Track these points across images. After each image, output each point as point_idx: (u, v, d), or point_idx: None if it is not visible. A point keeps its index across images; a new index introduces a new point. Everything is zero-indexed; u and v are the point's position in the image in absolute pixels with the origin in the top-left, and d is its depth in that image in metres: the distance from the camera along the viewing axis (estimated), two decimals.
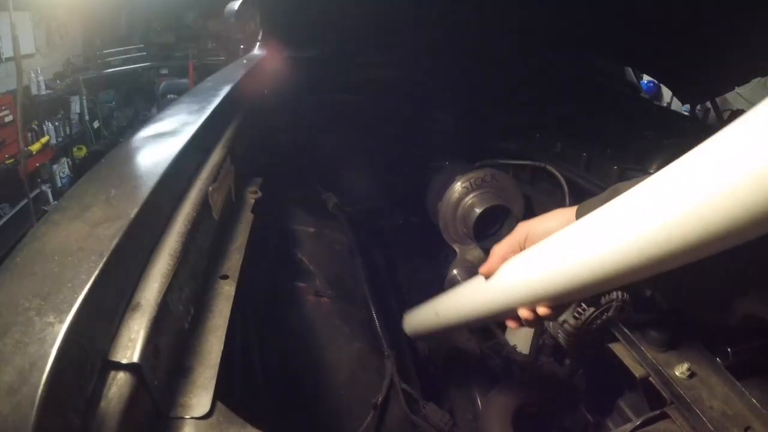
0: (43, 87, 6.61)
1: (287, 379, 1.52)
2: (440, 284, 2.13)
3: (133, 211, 0.78)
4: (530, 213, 2.24)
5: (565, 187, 2.08)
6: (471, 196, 2.15)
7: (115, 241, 0.70)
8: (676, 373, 1.28)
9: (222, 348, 0.84)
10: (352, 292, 1.98)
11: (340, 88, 2.71)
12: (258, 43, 2.89)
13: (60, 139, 6.95)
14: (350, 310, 1.88)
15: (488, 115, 2.68)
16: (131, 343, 0.66)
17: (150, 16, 9.24)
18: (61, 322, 0.57)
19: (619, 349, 1.44)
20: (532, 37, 2.66)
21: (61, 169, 6.86)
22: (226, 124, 1.52)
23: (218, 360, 0.81)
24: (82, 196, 0.85)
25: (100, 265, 0.65)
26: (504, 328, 2.04)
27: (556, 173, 2.13)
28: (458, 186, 2.15)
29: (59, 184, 6.72)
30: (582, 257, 0.82)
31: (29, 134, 6.13)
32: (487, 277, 1.08)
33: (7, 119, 5.63)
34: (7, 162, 5.56)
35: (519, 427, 1.68)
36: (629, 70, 3.40)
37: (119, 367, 0.64)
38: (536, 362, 1.88)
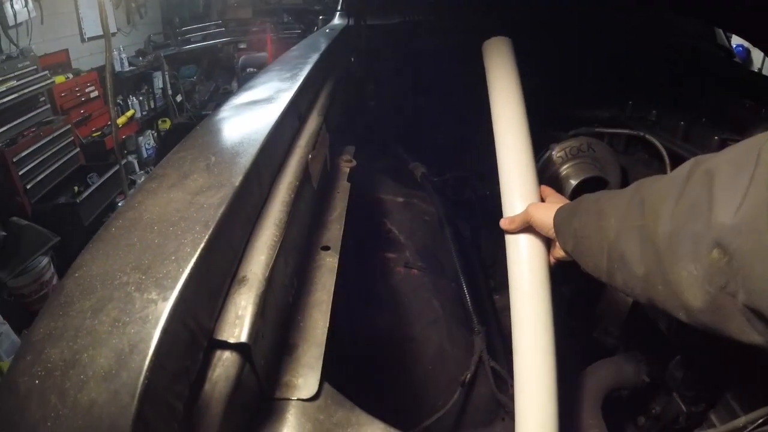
0: (126, 64, 6.99)
1: (376, 351, 1.48)
2: None
3: (237, 179, 0.73)
4: (626, 184, 2.11)
5: (666, 158, 1.94)
6: (567, 166, 2.04)
7: (220, 211, 0.65)
8: None
9: (328, 324, 0.79)
10: (442, 264, 1.92)
11: (424, 55, 2.62)
12: (338, 13, 2.84)
13: (144, 113, 7.38)
14: (440, 284, 1.81)
15: (579, 80, 2.53)
16: (239, 321, 0.62)
17: None
18: (165, 299, 0.52)
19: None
20: None
21: (147, 141, 7.26)
22: (318, 91, 1.47)
23: (324, 337, 0.76)
24: (179, 164, 0.81)
25: (206, 237, 0.60)
26: (595, 306, 1.94)
27: (656, 142, 2.00)
28: (554, 155, 2.04)
29: (144, 155, 7.13)
30: None
31: (114, 108, 6.43)
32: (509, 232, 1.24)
33: (93, 95, 5.97)
34: (94, 135, 5.92)
35: (608, 410, 1.59)
36: (720, 32, 3.15)
37: (226, 346, 0.59)
38: (629, 346, 1.77)
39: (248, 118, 1.03)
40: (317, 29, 3.38)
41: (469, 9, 2.63)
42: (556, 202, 1.18)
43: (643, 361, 1.69)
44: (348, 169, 1.37)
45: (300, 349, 0.74)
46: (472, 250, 2.33)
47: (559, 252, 1.12)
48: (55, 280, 4.04)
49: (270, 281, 0.69)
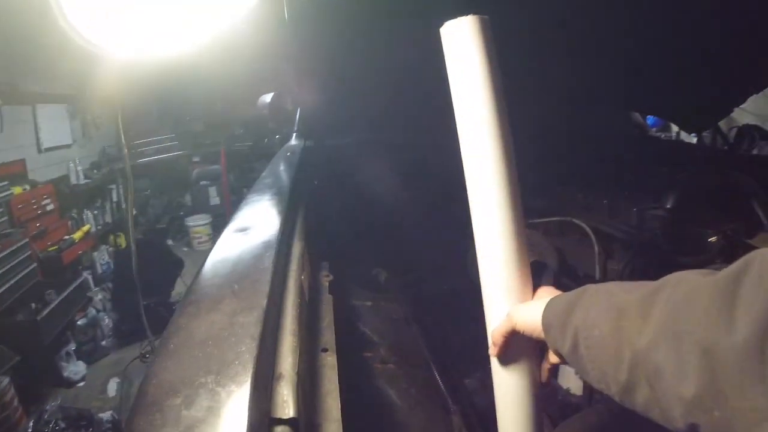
0: (81, 176, 7.04)
1: None
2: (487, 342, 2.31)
3: (264, 302, 0.97)
4: (564, 263, 2.41)
5: (593, 237, 2.24)
6: None
7: (260, 327, 0.89)
8: None
9: (340, 406, 1.02)
10: (414, 356, 2.15)
11: (375, 171, 2.93)
12: (294, 134, 3.15)
13: (99, 227, 7.33)
14: (414, 373, 2.04)
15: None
16: (285, 404, 0.84)
17: (180, 106, 9.70)
18: (244, 389, 0.74)
19: None
20: (543, 95, 2.86)
21: (101, 257, 7.16)
22: (296, 216, 1.74)
23: (339, 415, 0.99)
24: (208, 291, 1.04)
25: (256, 345, 0.84)
26: (556, 373, 2.18)
27: (582, 224, 2.31)
28: None
29: (99, 271, 7.01)
30: None
31: (69, 222, 6.48)
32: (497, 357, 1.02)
33: (49, 208, 5.94)
34: (50, 249, 5.87)
35: None
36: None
37: (282, 422, 0.82)
38: (591, 402, 2.01)
39: (249, 247, 1.28)
40: (267, 141, 3.67)
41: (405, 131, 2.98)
42: (546, 296, 0.94)
43: (606, 413, 1.94)
44: (327, 283, 1.63)
45: (323, 426, 0.97)
46: (440, 340, 2.57)
47: (553, 358, 0.94)
48: (16, 402, 3.97)
49: (298, 375, 0.93)
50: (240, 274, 1.11)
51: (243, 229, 1.41)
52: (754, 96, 2.70)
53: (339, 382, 1.11)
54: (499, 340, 0.98)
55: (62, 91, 6.74)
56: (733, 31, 2.19)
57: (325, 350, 1.22)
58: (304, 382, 0.99)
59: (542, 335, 0.89)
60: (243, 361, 0.81)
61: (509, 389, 1.00)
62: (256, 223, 1.45)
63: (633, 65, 2.51)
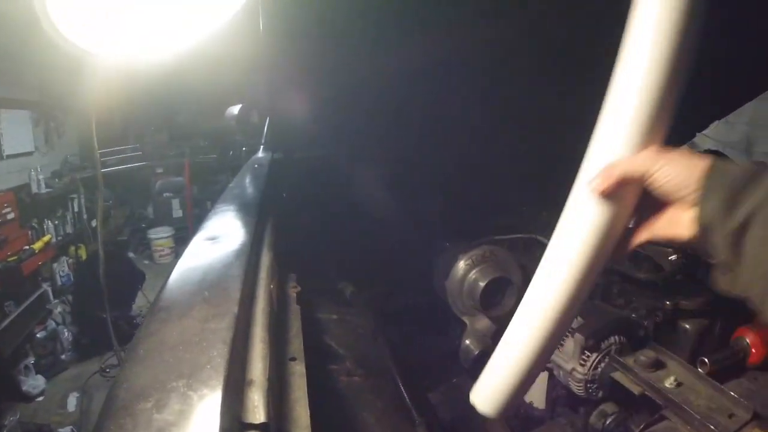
0: (43, 185, 6.91)
1: None
2: (455, 355, 2.34)
3: (235, 308, 0.97)
4: (527, 279, 2.45)
5: None
6: (474, 271, 2.38)
7: (231, 333, 0.90)
8: (666, 385, 1.61)
9: (309, 414, 1.02)
10: (380, 369, 2.16)
11: (343, 185, 2.94)
12: (262, 147, 3.15)
13: (60, 238, 7.21)
14: (380, 386, 2.05)
15: (478, 196, 2.93)
16: (256, 409, 0.85)
17: (144, 116, 9.63)
18: (216, 393, 0.75)
19: (618, 375, 1.75)
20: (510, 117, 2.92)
21: (61, 268, 7.09)
22: (264, 227, 1.75)
23: (308, 422, 1.00)
24: (179, 298, 1.05)
25: (228, 350, 0.84)
26: None
27: (546, 242, 2.36)
28: (462, 263, 2.38)
29: (59, 283, 6.93)
30: None
31: (30, 232, 6.33)
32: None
33: (9, 216, 5.83)
34: (9, 260, 5.73)
35: None
36: None
37: (253, 427, 0.82)
38: (553, 414, 2.05)
39: (219, 256, 1.28)
40: (233, 153, 3.67)
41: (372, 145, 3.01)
42: (690, 156, 0.74)
43: (568, 423, 1.99)
44: (295, 294, 1.64)
45: None
46: (406, 353, 2.59)
47: (651, 233, 0.82)
48: None
49: (269, 382, 0.94)
50: (211, 282, 1.12)
51: (212, 238, 1.41)
52: (717, 122, 2.79)
53: (307, 391, 1.12)
54: (613, 178, 0.80)
55: (27, 97, 6.62)
56: (701, 59, 2.26)
57: (294, 359, 1.23)
58: (274, 389, 1.00)
59: (682, 203, 0.73)
60: (215, 365, 0.81)
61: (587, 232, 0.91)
62: (226, 232, 1.45)
63: (600, 89, 2.57)
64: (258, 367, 0.95)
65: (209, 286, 1.09)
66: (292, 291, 1.66)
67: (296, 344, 1.31)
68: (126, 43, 1.16)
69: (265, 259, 1.47)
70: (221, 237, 1.42)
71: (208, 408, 0.73)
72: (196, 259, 1.29)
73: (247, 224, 1.52)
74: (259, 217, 1.69)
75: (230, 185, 2.24)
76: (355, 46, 2.07)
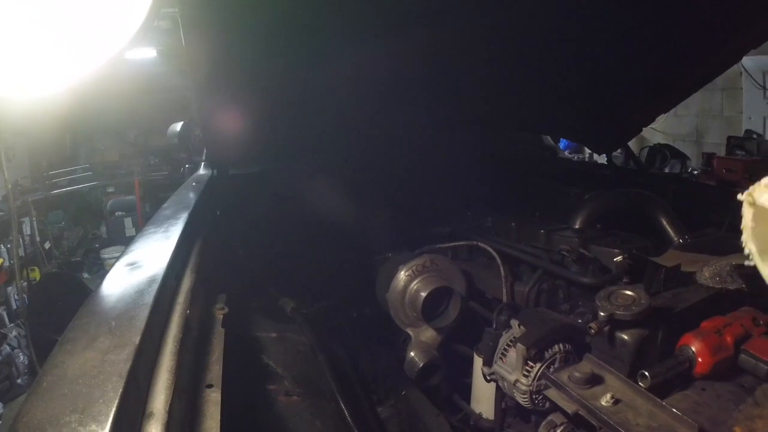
0: None
1: None
2: (400, 367, 2.33)
3: (137, 339, 0.95)
4: (472, 287, 2.47)
5: (498, 260, 2.31)
6: (415, 282, 2.36)
7: (129, 364, 0.87)
8: (602, 403, 1.45)
9: None
10: (320, 387, 2.13)
11: (282, 200, 2.92)
12: (203, 164, 3.11)
13: (12, 261, 6.89)
14: (320, 405, 2.02)
15: (421, 204, 2.94)
16: None
17: (93, 135, 9.46)
18: (103, 429, 0.73)
19: (551, 393, 1.62)
20: (453, 120, 2.94)
21: (15, 291, 6.81)
22: (191, 249, 1.72)
23: None
24: (86, 328, 1.02)
25: (122, 384, 0.82)
26: (468, 399, 2.22)
27: (488, 248, 2.37)
28: (402, 275, 2.37)
29: (14, 306, 6.71)
30: None
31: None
32: None
33: None
34: None
35: None
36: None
37: None
38: (503, 425, 2.05)
39: (135, 282, 1.25)
40: (183, 170, 3.62)
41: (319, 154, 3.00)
42: None
43: None
44: (221, 316, 1.60)
45: None
46: (350, 369, 2.56)
47: None
48: None
49: (170, 414, 0.91)
50: (120, 311, 1.09)
51: (132, 264, 1.38)
52: (665, 115, 2.83)
53: (223, 419, 1.10)
54: None
55: None
56: (640, 54, 2.30)
57: (210, 386, 1.20)
58: (180, 421, 0.98)
59: None
60: (107, 399, 0.80)
61: None
62: (147, 257, 1.42)
63: (541, 90, 2.61)
64: (160, 399, 0.93)
65: (117, 315, 1.07)
66: (219, 313, 1.62)
67: (215, 370, 1.28)
68: (24, 81, 1.12)
69: (186, 283, 1.44)
70: (141, 262, 1.39)
71: None
72: (111, 287, 1.26)
73: (169, 248, 1.49)
74: (185, 239, 1.66)
75: (164, 205, 2.19)
76: (283, 54, 2.05)
